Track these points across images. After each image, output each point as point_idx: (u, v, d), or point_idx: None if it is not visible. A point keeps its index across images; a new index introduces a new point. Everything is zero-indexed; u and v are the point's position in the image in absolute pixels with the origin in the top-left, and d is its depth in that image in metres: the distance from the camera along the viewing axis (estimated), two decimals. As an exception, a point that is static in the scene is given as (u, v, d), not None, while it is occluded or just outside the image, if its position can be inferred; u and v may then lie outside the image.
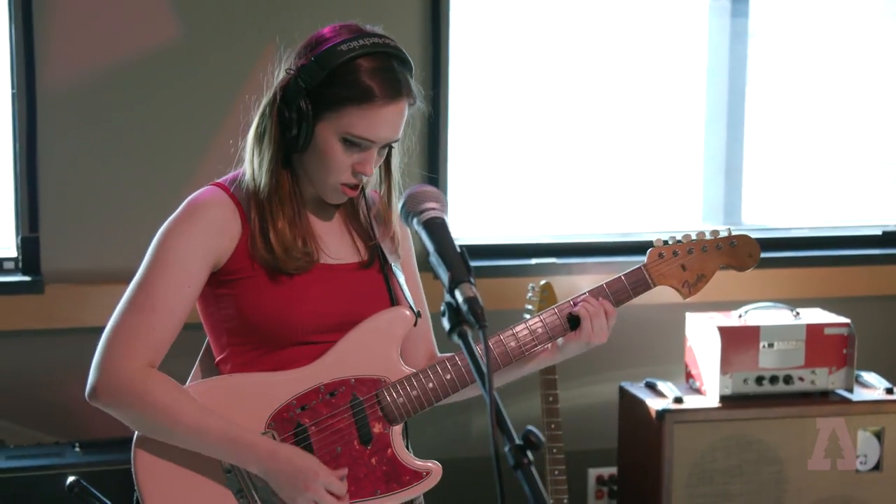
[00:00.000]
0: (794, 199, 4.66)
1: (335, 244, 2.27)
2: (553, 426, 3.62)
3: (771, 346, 3.76)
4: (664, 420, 3.69)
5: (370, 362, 2.23)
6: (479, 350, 1.73)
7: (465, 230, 4.18)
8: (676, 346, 3.98)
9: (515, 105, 4.32)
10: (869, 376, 3.93)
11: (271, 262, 2.18)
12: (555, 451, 3.62)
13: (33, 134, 3.68)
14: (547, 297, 3.61)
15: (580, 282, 3.96)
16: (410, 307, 2.28)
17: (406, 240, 2.36)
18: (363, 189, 2.28)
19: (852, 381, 3.80)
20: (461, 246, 1.88)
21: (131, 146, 3.78)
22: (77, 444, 3.50)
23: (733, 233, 2.42)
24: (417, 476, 2.25)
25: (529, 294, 3.65)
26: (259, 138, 2.19)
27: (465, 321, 1.74)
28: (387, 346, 2.24)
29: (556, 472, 3.63)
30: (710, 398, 3.77)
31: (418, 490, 2.26)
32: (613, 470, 4.11)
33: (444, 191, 4.01)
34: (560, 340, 2.32)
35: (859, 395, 3.83)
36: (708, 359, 3.78)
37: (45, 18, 3.65)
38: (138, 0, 3.76)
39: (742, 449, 3.73)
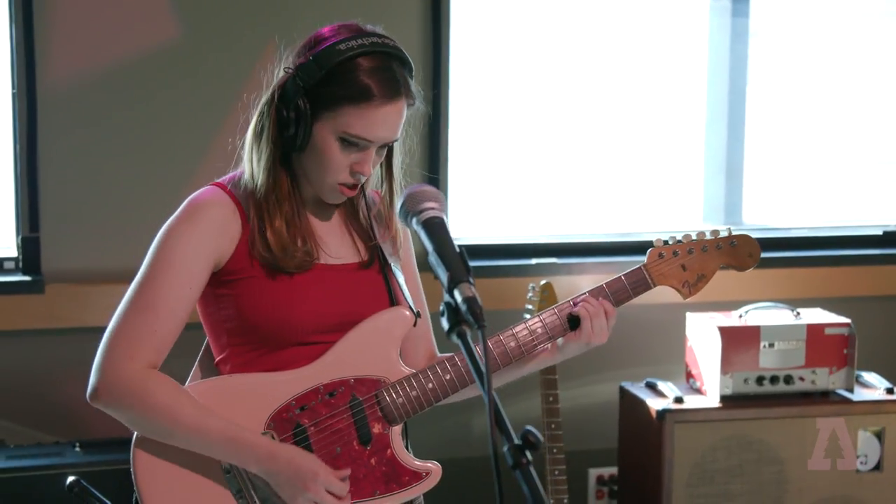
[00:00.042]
0: (795, 199, 4.66)
1: (335, 244, 2.27)
2: (553, 426, 3.61)
3: (771, 346, 3.75)
4: (665, 420, 3.68)
5: (370, 363, 2.23)
6: (478, 350, 1.73)
7: (465, 230, 4.18)
8: (677, 346, 3.98)
9: (515, 105, 4.32)
10: (869, 376, 3.93)
11: (270, 260, 2.18)
12: (555, 451, 3.62)
13: (33, 134, 3.68)
14: (547, 297, 3.61)
15: (580, 282, 3.95)
16: (410, 307, 2.28)
17: (406, 240, 2.36)
18: (363, 189, 2.28)
19: (853, 381, 3.80)
20: (460, 246, 1.88)
21: (131, 146, 3.78)
22: (77, 444, 3.50)
23: (733, 232, 2.42)
24: (417, 476, 2.25)
25: (529, 294, 3.65)
26: (257, 137, 2.19)
27: (463, 321, 1.74)
28: (386, 347, 2.24)
29: (557, 472, 3.63)
30: (710, 398, 3.77)
31: (418, 490, 2.26)
32: (614, 470, 4.11)
33: (444, 191, 4.01)
34: (560, 341, 2.31)
35: (860, 395, 3.83)
36: (708, 359, 3.77)
37: (45, 18, 3.65)
38: (138, 0, 3.76)
39: (742, 449, 3.73)
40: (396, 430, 2.24)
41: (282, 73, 2.18)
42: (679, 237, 2.39)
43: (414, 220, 1.97)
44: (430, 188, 2.01)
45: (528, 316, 2.40)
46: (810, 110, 4.63)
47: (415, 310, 2.28)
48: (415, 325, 2.27)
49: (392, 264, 2.31)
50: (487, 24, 4.26)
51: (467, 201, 4.22)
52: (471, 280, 1.80)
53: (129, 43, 3.74)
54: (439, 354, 2.40)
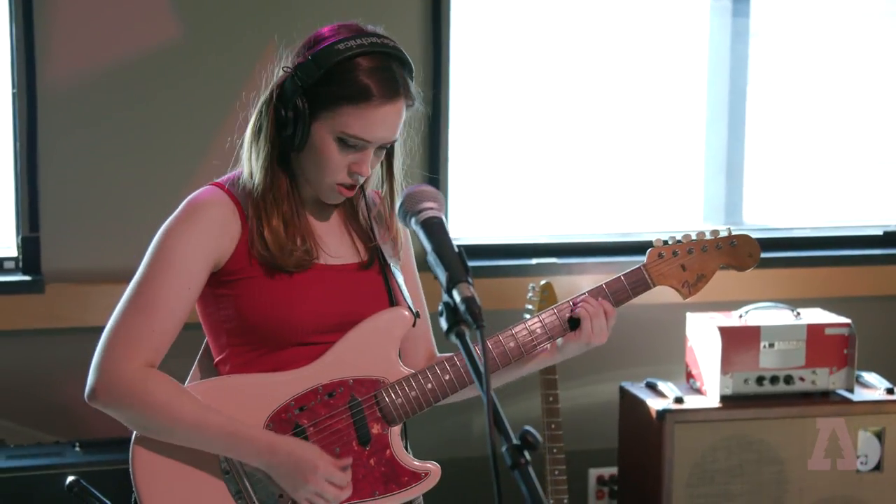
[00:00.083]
0: (796, 199, 4.66)
1: (335, 244, 2.27)
2: (553, 426, 3.61)
3: (771, 346, 3.75)
4: (665, 420, 3.68)
5: (369, 363, 2.22)
6: (476, 350, 1.73)
7: (465, 230, 4.17)
8: (677, 346, 3.98)
9: (515, 105, 4.32)
10: (869, 376, 3.92)
11: (269, 259, 2.18)
12: (555, 451, 3.62)
13: (33, 134, 3.68)
14: (547, 297, 3.61)
15: (580, 282, 3.95)
16: (409, 308, 2.28)
17: (406, 241, 2.36)
18: (363, 190, 2.28)
19: (853, 382, 3.79)
20: (459, 246, 1.87)
21: (131, 146, 3.78)
22: (77, 444, 3.50)
23: (733, 232, 2.41)
24: (416, 477, 2.25)
25: (529, 294, 3.65)
26: (255, 136, 2.19)
27: (462, 321, 1.74)
28: (386, 347, 2.24)
29: (557, 472, 3.63)
30: (710, 398, 3.76)
31: (417, 491, 2.25)
32: (614, 470, 4.10)
33: (444, 191, 4.01)
34: (559, 341, 2.31)
35: (860, 395, 3.82)
36: (708, 359, 3.77)
37: (45, 18, 3.65)
38: (138, 0, 3.76)
39: (743, 449, 3.73)
40: (395, 430, 2.24)
41: (281, 73, 2.18)
42: (679, 237, 2.39)
43: (413, 220, 1.97)
44: (429, 188, 2.01)
45: (527, 316, 2.40)
46: (810, 110, 4.63)
47: (414, 310, 2.28)
48: (414, 325, 2.27)
49: (392, 265, 2.31)
50: (487, 24, 4.25)
51: (467, 201, 4.22)
52: (469, 280, 1.80)
53: (129, 43, 3.74)
54: (439, 355, 2.40)
